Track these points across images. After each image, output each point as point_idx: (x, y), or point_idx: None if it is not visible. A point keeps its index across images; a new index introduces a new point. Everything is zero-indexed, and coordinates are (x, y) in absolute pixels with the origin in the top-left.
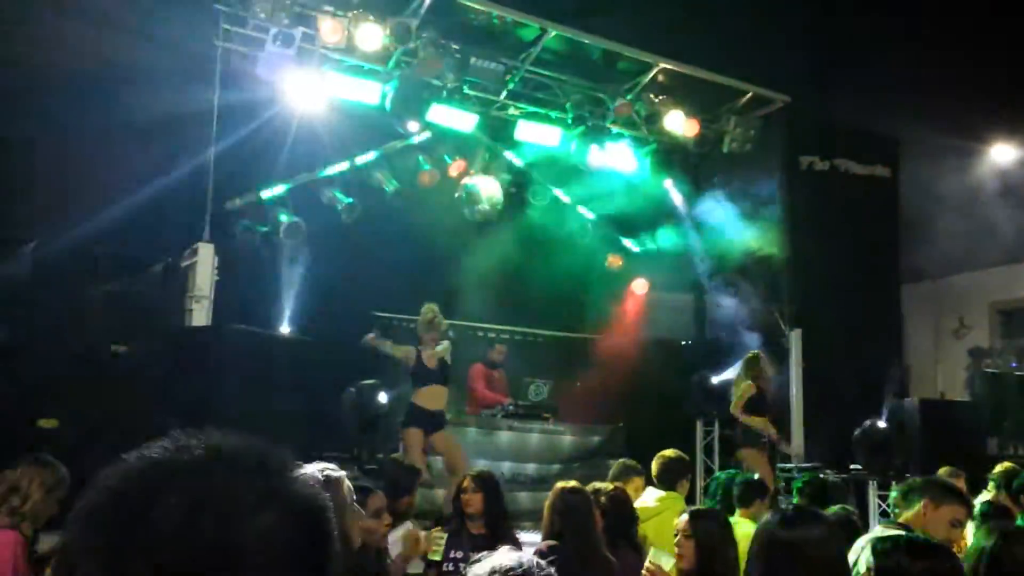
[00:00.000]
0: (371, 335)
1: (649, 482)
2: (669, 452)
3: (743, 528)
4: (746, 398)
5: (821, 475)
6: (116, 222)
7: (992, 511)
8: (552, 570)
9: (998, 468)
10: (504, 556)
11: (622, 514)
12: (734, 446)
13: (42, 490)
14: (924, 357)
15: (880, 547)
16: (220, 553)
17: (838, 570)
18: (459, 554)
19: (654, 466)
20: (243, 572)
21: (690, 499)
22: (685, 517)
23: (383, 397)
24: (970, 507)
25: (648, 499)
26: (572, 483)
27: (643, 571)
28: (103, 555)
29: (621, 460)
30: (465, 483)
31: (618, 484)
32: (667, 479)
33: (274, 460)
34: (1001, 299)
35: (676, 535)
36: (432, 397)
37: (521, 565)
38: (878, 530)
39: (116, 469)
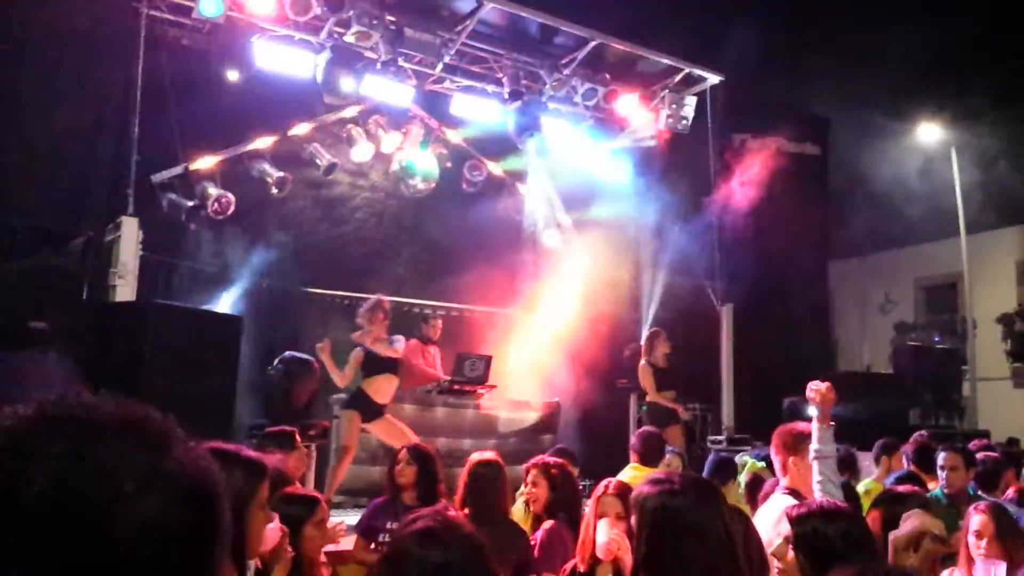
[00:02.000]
0: (322, 344)
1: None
2: (650, 429)
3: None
4: (651, 379)
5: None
6: (35, 194)
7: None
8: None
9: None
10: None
11: (566, 488)
12: (658, 424)
13: None
14: (851, 331)
15: (795, 515)
16: (96, 546)
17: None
18: (394, 525)
19: (638, 443)
20: (122, 568)
21: None
22: (616, 499)
23: (313, 371)
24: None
25: (628, 475)
26: (487, 455)
27: (608, 543)
28: None
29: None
30: (400, 455)
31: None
32: (651, 456)
33: (158, 431)
34: (926, 275)
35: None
36: (383, 388)
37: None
38: (776, 499)
39: None
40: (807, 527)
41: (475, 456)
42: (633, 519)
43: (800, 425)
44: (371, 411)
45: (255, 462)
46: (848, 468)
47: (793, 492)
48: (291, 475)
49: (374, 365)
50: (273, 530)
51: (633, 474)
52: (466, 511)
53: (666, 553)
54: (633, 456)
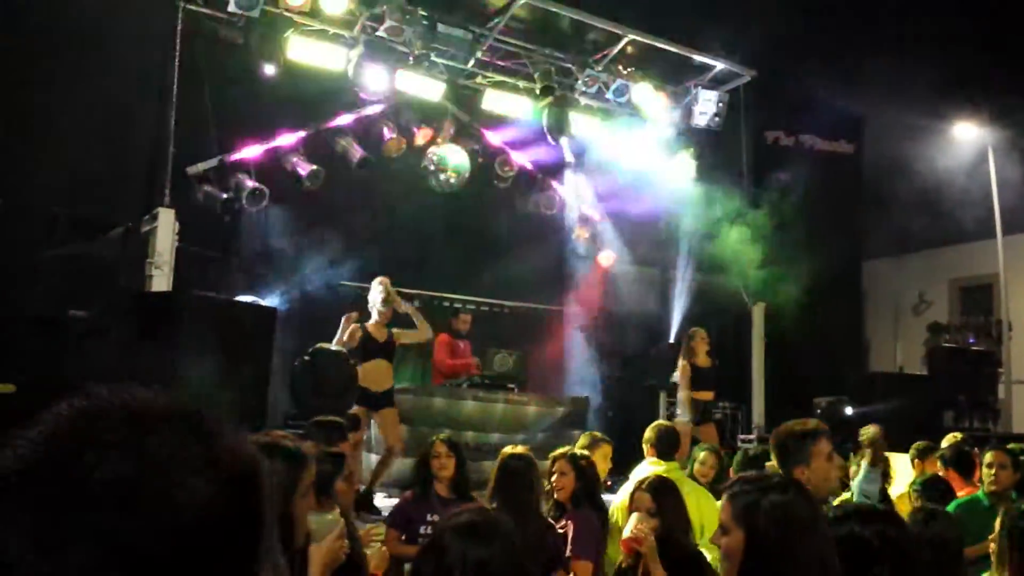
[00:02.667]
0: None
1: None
2: (664, 423)
3: None
4: (686, 377)
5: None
6: (75, 184)
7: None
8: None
9: (945, 442)
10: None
11: (591, 478)
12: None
13: None
14: (884, 332)
15: (832, 516)
16: (158, 519)
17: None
18: (434, 517)
19: (653, 436)
20: (179, 541)
21: None
22: (647, 494)
23: (344, 363)
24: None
25: (648, 470)
26: (519, 449)
27: (629, 538)
28: (27, 521)
29: (588, 432)
30: (438, 448)
31: (586, 452)
32: (666, 450)
33: (208, 421)
34: (960, 276)
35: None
36: (373, 375)
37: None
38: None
39: (40, 422)
40: (844, 529)
41: (507, 449)
42: (732, 522)
43: (793, 422)
44: (371, 401)
45: (297, 452)
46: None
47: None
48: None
49: (369, 350)
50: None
51: (652, 468)
52: (495, 505)
53: (784, 552)
54: (649, 450)
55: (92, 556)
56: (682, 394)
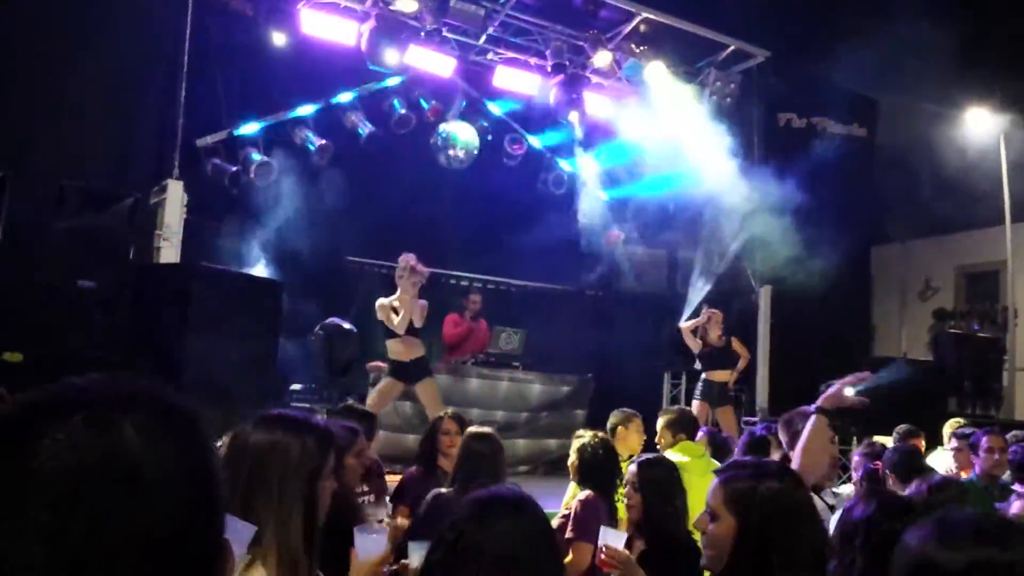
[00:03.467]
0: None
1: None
2: (683, 407)
3: None
4: (699, 355)
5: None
6: (84, 156)
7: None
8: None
9: (947, 428)
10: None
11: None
12: (709, 401)
13: None
14: (890, 317)
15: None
16: (101, 456)
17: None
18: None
19: (676, 421)
20: (127, 478)
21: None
22: (633, 467)
23: (352, 338)
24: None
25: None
26: (484, 429)
27: (601, 561)
28: None
29: (619, 409)
30: (448, 425)
31: (620, 427)
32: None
33: (135, 387)
34: (967, 263)
35: (625, 486)
36: (406, 347)
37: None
38: None
39: None
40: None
41: (471, 429)
42: (724, 508)
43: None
44: (406, 373)
45: (326, 431)
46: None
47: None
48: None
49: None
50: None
51: (679, 456)
52: (454, 488)
53: (777, 542)
54: (681, 437)
55: (33, 552)
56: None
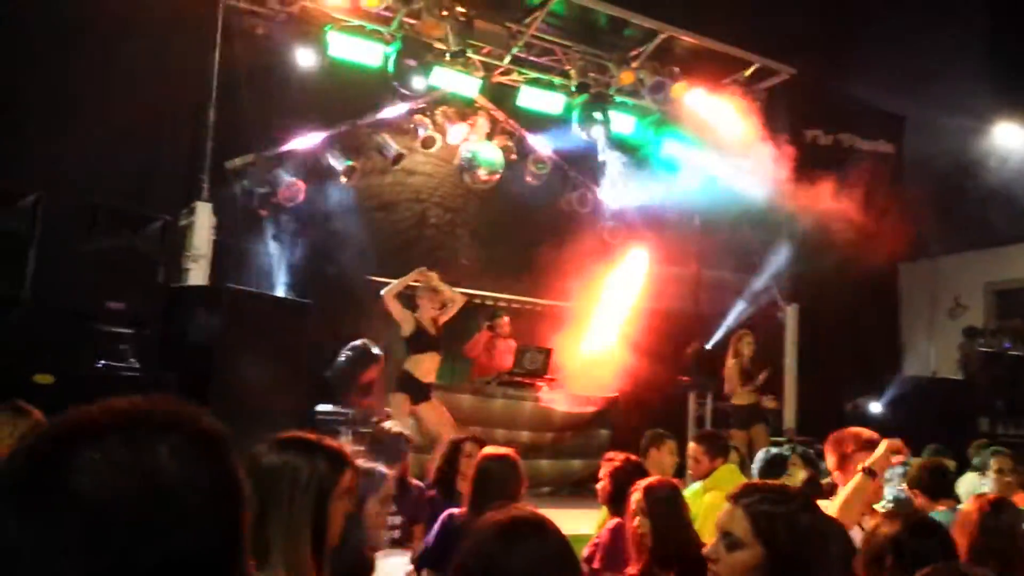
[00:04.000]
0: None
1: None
2: (711, 429)
3: None
4: (735, 377)
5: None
6: (115, 178)
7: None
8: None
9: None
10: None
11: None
12: (740, 425)
13: (14, 439)
14: (919, 335)
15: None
16: (138, 477)
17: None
18: (460, 512)
19: (712, 446)
20: (162, 501)
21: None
22: (638, 493)
23: (378, 360)
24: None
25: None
26: (500, 450)
27: None
28: (15, 524)
29: (652, 429)
30: (469, 448)
31: (652, 448)
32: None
33: (171, 410)
34: (997, 280)
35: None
36: (428, 367)
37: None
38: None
39: (32, 435)
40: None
41: (487, 450)
42: (749, 536)
43: (853, 428)
44: (419, 392)
45: (338, 452)
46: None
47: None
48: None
49: (423, 342)
50: None
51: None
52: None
53: (817, 568)
54: (719, 462)
55: (66, 568)
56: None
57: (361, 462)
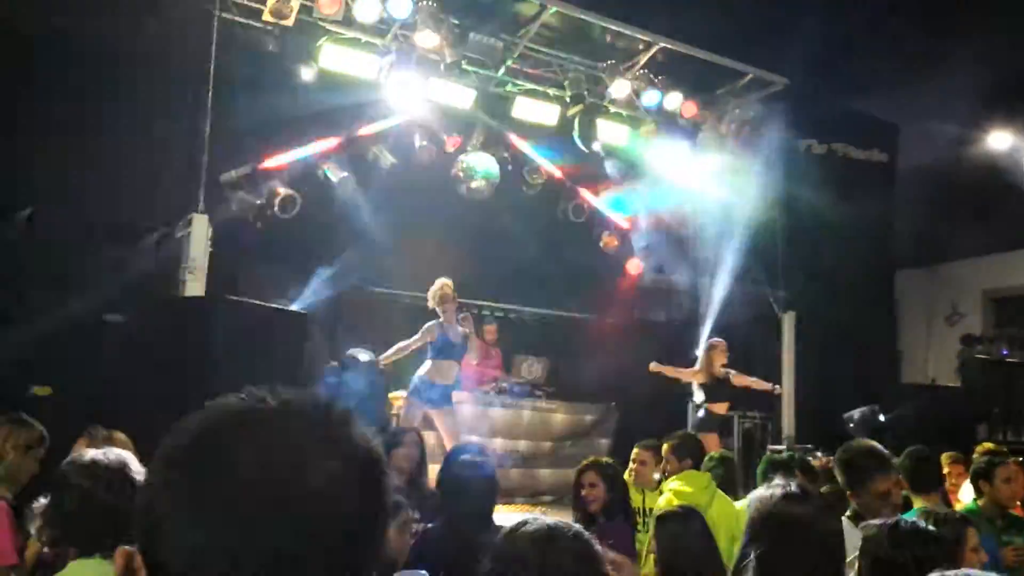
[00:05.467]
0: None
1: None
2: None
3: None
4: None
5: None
6: (111, 191)
7: None
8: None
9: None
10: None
11: (622, 487)
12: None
13: (18, 450)
14: (916, 343)
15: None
16: (292, 497)
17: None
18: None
19: (687, 449)
20: (313, 517)
21: None
22: (653, 522)
23: (373, 367)
24: (893, 471)
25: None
26: (471, 456)
27: None
28: (183, 492)
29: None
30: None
31: (613, 461)
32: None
33: (338, 413)
34: (994, 287)
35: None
36: (448, 372)
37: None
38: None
39: (196, 416)
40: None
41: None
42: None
43: (864, 445)
44: (437, 396)
45: None
46: None
47: (857, 517)
48: None
49: (445, 349)
50: None
51: (682, 484)
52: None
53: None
54: (687, 465)
55: (238, 540)
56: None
57: None
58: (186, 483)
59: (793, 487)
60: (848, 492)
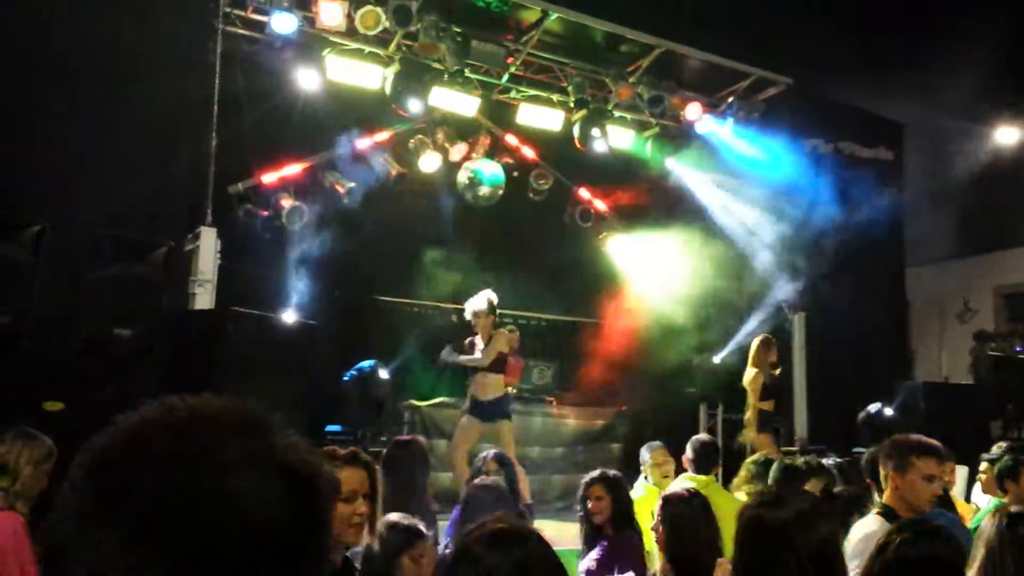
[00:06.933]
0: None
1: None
2: (704, 436)
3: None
4: (760, 385)
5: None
6: (119, 206)
7: None
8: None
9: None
10: None
11: (628, 499)
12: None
13: (31, 465)
14: (929, 340)
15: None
16: (192, 514)
17: (829, 551)
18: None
19: (690, 451)
20: (216, 535)
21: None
22: (659, 502)
23: (383, 372)
24: (940, 456)
25: (682, 485)
26: (488, 481)
27: None
28: (90, 503)
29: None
30: (489, 466)
31: (618, 474)
32: (704, 464)
33: (259, 420)
34: (1006, 283)
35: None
36: (490, 386)
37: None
38: (867, 520)
39: (114, 424)
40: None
41: (476, 481)
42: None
43: (911, 437)
44: (483, 411)
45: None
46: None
47: (888, 512)
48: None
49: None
50: None
51: (686, 484)
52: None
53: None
54: (686, 463)
55: (153, 559)
56: (753, 404)
57: (397, 517)
58: (91, 494)
59: (771, 494)
60: (891, 475)
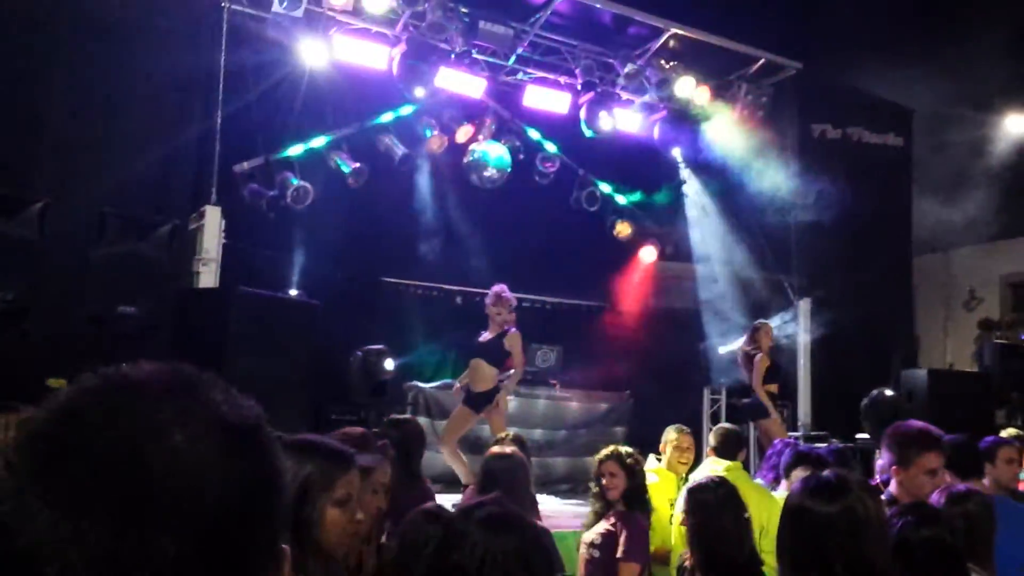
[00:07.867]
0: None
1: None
2: (728, 425)
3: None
4: (763, 370)
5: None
6: (123, 183)
7: None
8: None
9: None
10: None
11: (641, 478)
12: (749, 416)
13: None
14: (934, 328)
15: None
16: (129, 478)
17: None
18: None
19: (714, 439)
20: (156, 497)
21: None
22: (684, 493)
23: (390, 361)
24: (941, 448)
25: (713, 469)
26: (506, 448)
27: None
28: (29, 476)
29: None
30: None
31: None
32: (728, 451)
33: (195, 379)
34: (1012, 271)
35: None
36: (484, 378)
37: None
38: None
39: (53, 395)
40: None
41: (494, 448)
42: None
43: (916, 425)
44: (475, 401)
45: (338, 454)
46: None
47: (893, 504)
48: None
49: (475, 350)
50: None
51: (714, 467)
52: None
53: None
54: (710, 451)
55: (92, 528)
56: (759, 389)
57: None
58: (25, 467)
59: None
60: (894, 468)
